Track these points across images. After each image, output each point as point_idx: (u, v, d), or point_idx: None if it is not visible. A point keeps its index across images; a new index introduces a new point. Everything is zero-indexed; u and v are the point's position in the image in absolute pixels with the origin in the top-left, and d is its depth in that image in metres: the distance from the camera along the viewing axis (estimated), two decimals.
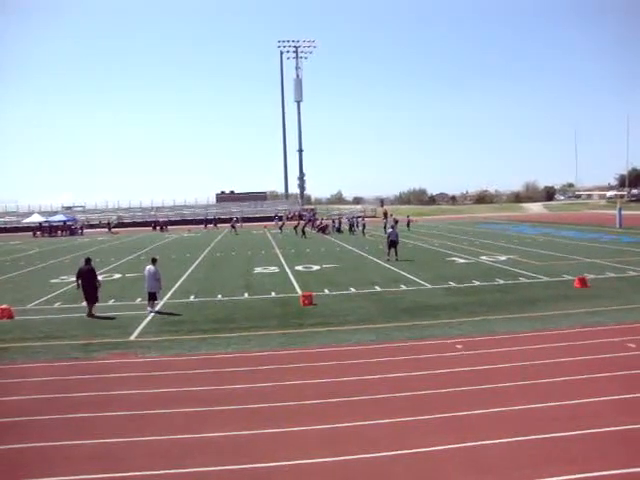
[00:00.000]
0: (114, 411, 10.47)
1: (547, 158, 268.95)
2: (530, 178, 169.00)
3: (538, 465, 7.80)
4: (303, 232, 54.76)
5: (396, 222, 60.25)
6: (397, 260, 31.48)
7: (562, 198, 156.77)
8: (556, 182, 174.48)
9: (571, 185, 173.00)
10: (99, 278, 20.04)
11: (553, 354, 13.10)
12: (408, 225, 59.76)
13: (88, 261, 19.98)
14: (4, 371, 13.24)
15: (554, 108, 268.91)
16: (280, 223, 66.11)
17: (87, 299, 19.35)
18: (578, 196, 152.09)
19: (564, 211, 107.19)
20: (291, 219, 68.00)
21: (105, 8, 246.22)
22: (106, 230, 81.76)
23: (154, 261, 20.07)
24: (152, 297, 19.58)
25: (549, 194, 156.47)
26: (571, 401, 10.17)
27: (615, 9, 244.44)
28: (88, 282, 19.35)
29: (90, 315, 19.05)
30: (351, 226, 59.68)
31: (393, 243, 32.32)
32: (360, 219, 64.03)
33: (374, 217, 79.50)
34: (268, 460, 8.25)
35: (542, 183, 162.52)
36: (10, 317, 19.09)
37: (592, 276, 23.68)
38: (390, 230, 33.61)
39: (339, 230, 59.51)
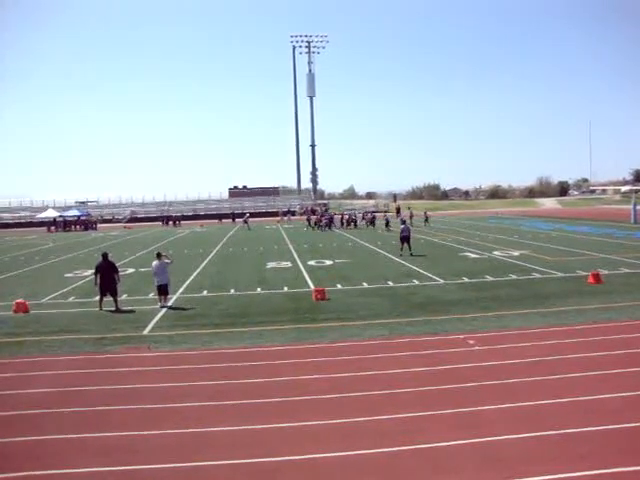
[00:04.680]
0: (127, 405, 10.55)
1: (561, 153, 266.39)
2: (544, 173, 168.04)
3: (551, 461, 7.78)
4: (320, 226, 57.38)
5: (411, 217, 60.18)
6: (411, 255, 31.43)
7: (576, 193, 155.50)
8: (570, 177, 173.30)
9: (585, 180, 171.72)
10: (120, 274, 20.12)
11: (566, 350, 13.06)
12: (426, 220, 58.88)
13: (105, 256, 20.02)
14: (19, 364, 13.37)
15: (568, 103, 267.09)
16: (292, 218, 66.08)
17: (110, 293, 19.47)
18: (592, 191, 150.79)
19: (578, 206, 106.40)
20: (303, 214, 68.12)
21: (117, 2, 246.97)
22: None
23: (159, 256, 20.10)
24: (163, 291, 19.66)
25: (563, 189, 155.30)
26: (584, 397, 10.12)
27: (630, 4, 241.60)
28: (109, 277, 19.50)
29: (117, 309, 19.21)
30: (358, 220, 59.89)
31: (405, 238, 32.28)
32: (369, 214, 64.21)
33: (386, 212, 79.39)
34: (280, 454, 8.29)
35: (556, 178, 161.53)
36: (25, 311, 19.27)
37: (606, 272, 23.54)
38: (402, 226, 33.46)
39: (356, 225, 59.72)
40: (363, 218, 63.22)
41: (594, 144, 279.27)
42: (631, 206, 56.43)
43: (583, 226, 51.36)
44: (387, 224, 55.85)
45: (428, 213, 62.33)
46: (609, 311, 16.86)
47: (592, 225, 52.38)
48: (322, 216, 63.78)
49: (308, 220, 62.50)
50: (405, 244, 32.27)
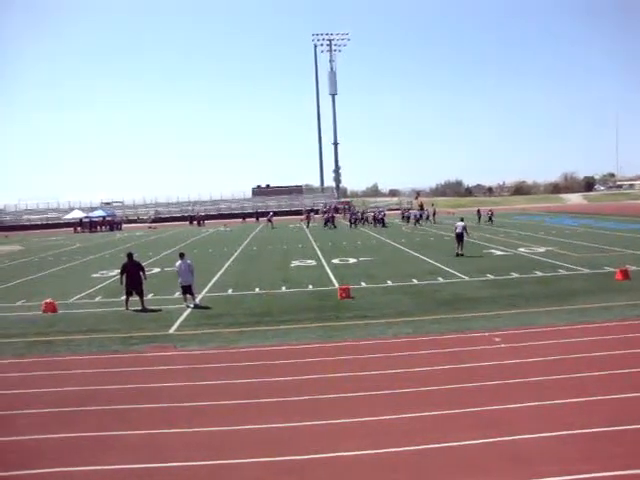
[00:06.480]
0: (154, 403, 10.65)
1: (587, 148, 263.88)
2: (569, 169, 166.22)
3: (576, 461, 7.69)
4: (354, 223, 59.13)
5: (434, 214, 59.65)
6: (461, 255, 30.01)
7: (602, 188, 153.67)
8: (596, 172, 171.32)
9: (612, 175, 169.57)
10: (146, 273, 20.43)
11: (593, 347, 12.92)
12: (490, 219, 53.87)
13: (131, 256, 20.27)
14: (49, 363, 13.57)
15: (594, 97, 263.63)
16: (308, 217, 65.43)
17: (137, 293, 19.70)
18: (619, 186, 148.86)
19: (604, 202, 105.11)
20: (326, 212, 67.73)
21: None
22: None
23: (182, 256, 20.24)
24: (188, 291, 19.79)
25: (589, 184, 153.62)
26: (611, 396, 10.00)
27: None
28: (135, 276, 19.74)
29: (144, 308, 19.40)
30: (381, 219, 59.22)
31: (459, 236, 30.55)
32: (407, 211, 64.45)
33: (409, 209, 78.91)
34: (306, 452, 8.31)
35: (582, 173, 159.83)
36: (54, 311, 19.54)
37: (634, 268, 23.21)
38: (459, 223, 31.30)
39: (383, 223, 58.65)
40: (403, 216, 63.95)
41: (621, 138, 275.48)
42: None
43: (610, 222, 50.73)
44: (408, 219, 55.73)
45: (492, 210, 58.53)
46: (637, 308, 16.62)
47: (619, 221, 51.72)
48: (353, 214, 63.49)
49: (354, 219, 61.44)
50: (460, 243, 30.56)
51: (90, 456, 8.50)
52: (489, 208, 61.10)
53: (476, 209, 60.33)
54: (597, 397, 9.96)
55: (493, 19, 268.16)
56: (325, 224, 60.85)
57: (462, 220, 31.99)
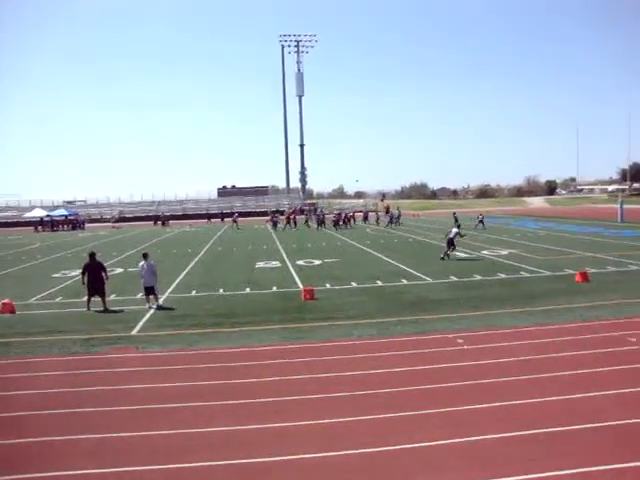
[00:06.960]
0: (115, 406, 10.48)
1: (549, 152, 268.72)
2: (532, 172, 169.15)
3: (539, 459, 7.80)
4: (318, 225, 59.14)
5: (399, 216, 59.96)
6: (442, 259, 29.56)
7: (564, 192, 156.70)
8: (558, 176, 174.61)
9: (573, 179, 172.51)
10: (108, 273, 20.07)
11: (554, 348, 13.11)
12: (481, 222, 51.93)
13: (93, 256, 19.92)
14: (6, 366, 13.26)
15: (556, 102, 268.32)
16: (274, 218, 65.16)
17: (98, 294, 19.37)
18: (580, 190, 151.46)
19: (566, 205, 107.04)
20: (292, 214, 67.05)
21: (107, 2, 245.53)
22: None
23: (145, 256, 19.95)
24: (150, 291, 19.55)
25: (551, 188, 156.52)
26: (572, 395, 10.17)
27: (619, 5, 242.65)
28: (97, 276, 19.42)
29: (105, 309, 19.11)
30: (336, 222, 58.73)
31: (450, 241, 30.29)
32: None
33: (375, 211, 79.02)
34: (267, 455, 8.27)
35: (544, 177, 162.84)
36: (12, 312, 19.11)
37: (593, 270, 23.67)
38: (453, 229, 31.10)
39: (339, 224, 58.20)
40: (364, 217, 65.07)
41: (581, 143, 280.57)
42: (618, 205, 56.83)
43: (571, 225, 51.65)
44: (377, 220, 56.12)
45: (482, 213, 57.29)
46: (597, 309, 16.95)
47: (580, 224, 52.70)
48: (319, 216, 62.71)
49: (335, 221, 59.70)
50: (451, 247, 30.20)
51: (50, 462, 8.31)
52: (479, 212, 61.02)
53: (452, 212, 60.04)
54: (560, 397, 10.10)
55: (457, 21, 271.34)
56: (274, 225, 60.02)
57: (459, 227, 32.17)
